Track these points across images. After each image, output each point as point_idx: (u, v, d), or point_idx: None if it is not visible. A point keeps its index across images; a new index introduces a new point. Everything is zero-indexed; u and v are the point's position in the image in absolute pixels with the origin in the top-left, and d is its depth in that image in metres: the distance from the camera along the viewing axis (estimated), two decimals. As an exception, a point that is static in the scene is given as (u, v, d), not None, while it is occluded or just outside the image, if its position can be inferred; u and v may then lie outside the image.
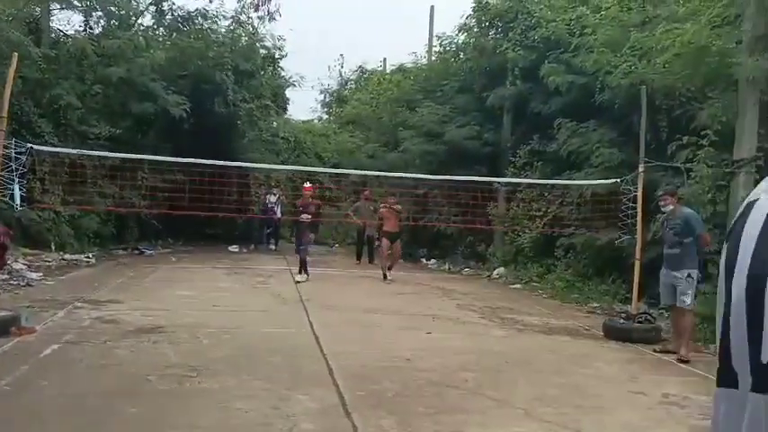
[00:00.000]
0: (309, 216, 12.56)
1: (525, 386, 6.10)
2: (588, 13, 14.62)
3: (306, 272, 12.72)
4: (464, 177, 13.93)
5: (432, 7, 26.14)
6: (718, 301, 1.02)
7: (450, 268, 17.13)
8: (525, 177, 15.11)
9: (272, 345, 7.21)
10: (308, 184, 13.39)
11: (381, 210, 13.63)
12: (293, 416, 4.89)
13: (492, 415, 5.23)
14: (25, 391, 5.24)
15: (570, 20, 15.16)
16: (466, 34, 18.69)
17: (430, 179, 15.60)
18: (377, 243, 16.11)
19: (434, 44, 22.42)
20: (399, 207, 13.83)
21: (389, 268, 13.48)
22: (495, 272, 15.60)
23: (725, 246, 1.02)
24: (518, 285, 14.05)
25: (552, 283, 13.50)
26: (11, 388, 5.29)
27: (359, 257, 17.62)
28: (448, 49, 20.17)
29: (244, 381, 5.76)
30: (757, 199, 1.00)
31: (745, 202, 1.02)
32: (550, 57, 14.75)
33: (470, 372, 6.49)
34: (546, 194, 14.74)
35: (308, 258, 13.00)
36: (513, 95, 16.49)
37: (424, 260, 18.27)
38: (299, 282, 12.36)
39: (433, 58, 22.75)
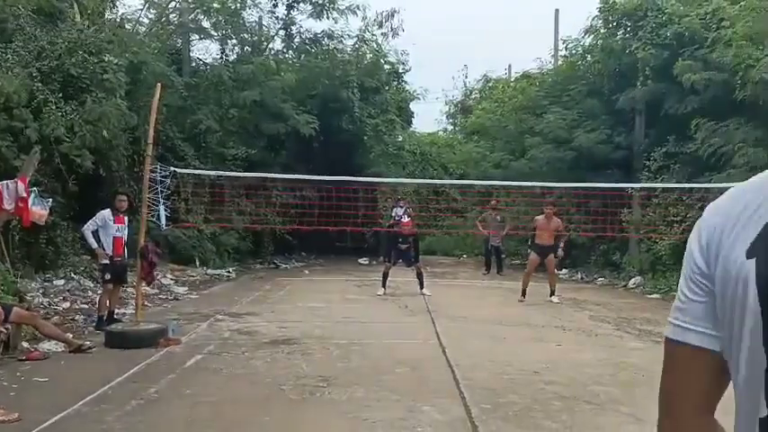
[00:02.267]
0: (407, 244, 12.61)
1: (663, 402, 5.77)
2: (725, 5, 13.75)
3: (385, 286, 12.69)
4: (595, 184, 13.45)
5: (557, 11, 25.56)
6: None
7: (582, 278, 16.59)
8: (661, 181, 14.37)
9: (400, 356, 7.29)
10: (406, 219, 13.46)
11: (537, 218, 12.76)
12: (419, 427, 4.93)
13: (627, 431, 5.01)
14: (171, 399, 5.62)
15: (705, 13, 14.34)
16: (592, 36, 18.13)
17: (558, 187, 15.19)
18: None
19: (560, 48, 21.90)
20: (560, 222, 12.41)
21: (552, 292, 12.18)
22: (632, 281, 14.93)
23: (753, 261, 0.88)
24: (656, 295, 13.36)
25: (694, 292, 12.69)
26: (159, 395, 5.70)
27: (488, 268, 17.47)
28: (574, 52, 19.64)
29: (372, 392, 5.86)
30: None
31: None
32: (684, 54, 14.02)
33: (603, 386, 6.24)
34: (684, 198, 13.96)
35: (424, 271, 13.03)
36: (645, 96, 15.76)
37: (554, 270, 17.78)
38: (426, 294, 12.33)
39: (559, 62, 22.22)
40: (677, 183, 13.81)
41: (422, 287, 12.53)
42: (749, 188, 0.95)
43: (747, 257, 0.89)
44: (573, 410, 5.46)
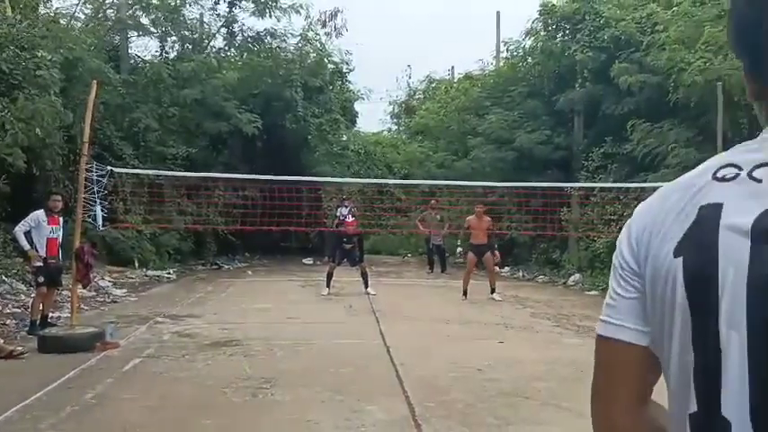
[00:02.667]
0: (352, 244, 12.61)
1: (601, 396, 5.91)
2: (659, 9, 14.22)
3: (329, 286, 12.61)
4: (535, 183, 13.69)
5: (498, 13, 25.95)
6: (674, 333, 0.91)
7: (523, 275, 16.88)
8: (599, 181, 14.74)
9: (344, 356, 7.27)
10: (350, 219, 13.43)
11: (469, 219, 12.87)
12: (363, 427, 4.92)
13: (568, 426, 5.10)
14: (109, 404, 5.46)
15: (640, 18, 14.81)
16: (533, 38, 18.47)
17: (500, 186, 15.41)
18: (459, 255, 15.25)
19: (501, 50, 22.26)
20: (489, 220, 12.50)
21: (492, 290, 12.27)
22: (571, 279, 15.26)
23: (680, 259, 0.88)
24: (595, 292, 13.66)
25: (631, 288, 13.04)
26: (96, 401, 5.53)
27: (431, 267, 17.60)
28: (515, 54, 19.97)
29: (316, 392, 5.82)
30: (721, 203, 0.87)
31: (704, 204, 0.89)
32: (621, 57, 14.44)
33: (544, 381, 6.36)
34: (621, 198, 14.35)
35: (368, 270, 13.10)
36: (584, 98, 16.18)
37: (497, 268, 18.02)
38: (371, 294, 12.36)
39: (501, 64, 22.56)
40: (614, 182, 14.20)
41: (366, 287, 12.55)
42: (677, 187, 0.97)
43: (675, 256, 0.90)
44: (515, 406, 5.55)
